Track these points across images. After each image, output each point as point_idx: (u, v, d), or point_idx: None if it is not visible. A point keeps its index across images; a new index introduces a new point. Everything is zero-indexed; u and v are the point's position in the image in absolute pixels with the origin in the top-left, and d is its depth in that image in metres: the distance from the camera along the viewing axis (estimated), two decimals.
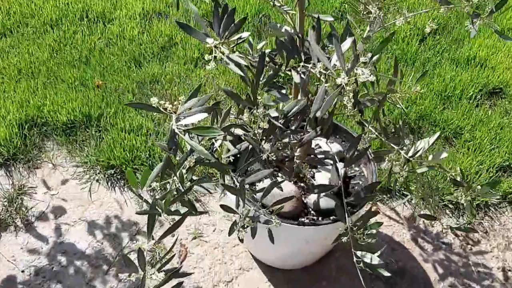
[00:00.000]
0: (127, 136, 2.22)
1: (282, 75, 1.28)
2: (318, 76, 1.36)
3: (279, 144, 1.34)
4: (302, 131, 1.44)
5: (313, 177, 1.61)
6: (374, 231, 1.46)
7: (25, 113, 2.30)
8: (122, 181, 2.13)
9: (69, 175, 2.16)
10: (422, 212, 2.19)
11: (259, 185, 1.60)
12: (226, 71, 2.58)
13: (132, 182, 1.20)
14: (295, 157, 1.43)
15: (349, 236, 1.39)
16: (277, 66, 1.27)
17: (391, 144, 1.31)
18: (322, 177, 1.68)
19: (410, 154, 1.27)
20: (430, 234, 2.05)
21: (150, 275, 1.14)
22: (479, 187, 1.42)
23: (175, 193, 1.26)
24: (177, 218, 1.26)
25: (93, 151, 2.20)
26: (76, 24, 2.86)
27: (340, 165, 1.55)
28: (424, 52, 2.89)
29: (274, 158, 1.26)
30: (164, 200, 1.19)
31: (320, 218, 1.63)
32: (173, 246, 1.30)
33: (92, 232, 1.95)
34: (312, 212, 1.66)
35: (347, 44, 1.20)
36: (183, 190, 1.21)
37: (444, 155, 1.41)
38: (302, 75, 1.26)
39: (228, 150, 1.34)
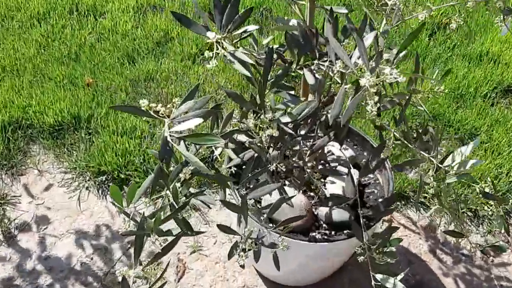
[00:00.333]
0: (119, 139, 2.05)
1: (293, 73, 1.11)
2: (332, 75, 1.20)
3: (288, 153, 1.17)
4: (313, 137, 1.27)
5: (324, 186, 1.44)
6: (393, 249, 1.30)
7: (9, 115, 2.13)
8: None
9: (56, 182, 1.99)
10: (440, 222, 2.05)
11: (265, 199, 1.44)
12: (227, 68, 2.41)
13: (116, 198, 1.04)
14: (305, 167, 1.27)
15: (366, 256, 1.23)
16: (286, 64, 1.10)
17: (421, 152, 1.15)
18: (334, 187, 1.52)
19: (446, 163, 1.11)
20: (449, 245, 1.89)
21: None
22: None
23: (168, 210, 1.10)
24: (170, 238, 1.09)
25: (82, 155, 2.03)
26: (65, 18, 2.68)
27: (354, 172, 1.39)
28: (434, 48, 2.72)
29: (284, 169, 1.09)
30: (154, 219, 1.03)
31: (333, 233, 1.46)
32: (165, 270, 1.13)
33: (81, 246, 1.78)
34: (324, 225, 1.50)
35: (369, 38, 1.03)
36: (177, 207, 1.05)
37: (473, 162, 1.24)
38: (317, 75, 1.10)
39: (230, 159, 1.18)
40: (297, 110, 1.22)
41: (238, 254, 1.11)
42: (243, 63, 0.94)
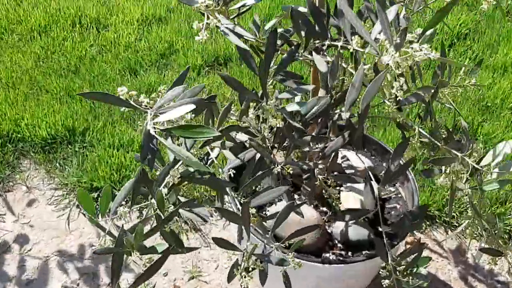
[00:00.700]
0: (115, 153, 1.89)
1: (300, 58, 0.94)
2: (345, 66, 1.03)
3: (296, 155, 0.99)
4: (325, 138, 1.09)
5: (338, 195, 1.24)
6: (424, 270, 1.10)
7: None
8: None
9: (45, 199, 1.83)
10: (470, 242, 1.83)
11: (270, 210, 1.25)
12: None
13: (86, 205, 0.86)
14: (316, 172, 1.09)
15: (392, 279, 1.03)
16: (293, 47, 0.93)
17: (453, 151, 0.96)
18: (349, 200, 1.32)
19: (484, 162, 0.92)
20: (482, 271, 1.67)
21: None
22: None
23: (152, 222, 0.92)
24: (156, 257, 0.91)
25: (75, 170, 1.87)
26: (67, 30, 2.57)
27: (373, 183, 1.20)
28: (455, 59, 2.55)
29: (290, 172, 0.91)
30: (135, 233, 0.85)
31: (349, 253, 1.26)
32: None
33: (67, 270, 1.60)
34: (339, 244, 1.30)
35: (392, 11, 0.86)
36: (163, 217, 0.87)
37: None
38: (328, 58, 0.92)
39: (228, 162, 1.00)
40: (305, 107, 1.05)
41: (240, 274, 0.92)
42: (238, 35, 0.77)
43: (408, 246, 1.69)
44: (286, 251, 0.96)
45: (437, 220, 1.80)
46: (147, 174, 0.90)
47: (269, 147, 0.94)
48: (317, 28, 0.88)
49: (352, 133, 1.09)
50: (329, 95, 1.10)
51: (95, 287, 1.55)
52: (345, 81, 1.18)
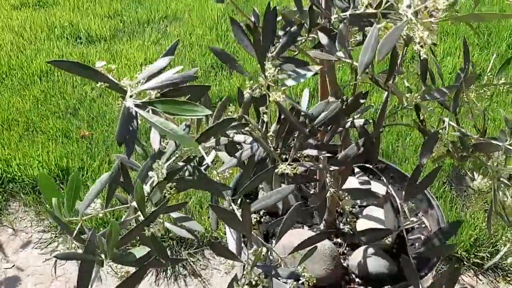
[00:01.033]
0: None
1: (304, 38, 0.82)
2: (349, 64, 0.91)
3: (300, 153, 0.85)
4: (335, 146, 0.95)
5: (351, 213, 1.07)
6: None
7: None
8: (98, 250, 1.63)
9: (32, 242, 1.67)
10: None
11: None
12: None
13: (47, 194, 0.73)
14: (327, 184, 0.94)
15: None
16: (295, 27, 0.81)
17: (493, 142, 0.81)
18: (365, 225, 1.16)
19: None
20: None
21: None
22: None
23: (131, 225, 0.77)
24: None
25: (66, 211, 1.72)
26: (69, 74, 2.52)
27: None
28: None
29: (296, 171, 0.77)
30: (108, 235, 0.70)
31: None
32: None
33: None
34: (357, 279, 1.12)
35: None
36: (143, 219, 0.72)
37: None
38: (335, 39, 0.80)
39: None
40: (313, 111, 0.93)
41: None
42: None
43: None
44: (293, 270, 0.80)
45: (465, 263, 1.60)
46: (126, 169, 0.77)
47: (272, 147, 0.81)
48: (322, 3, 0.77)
49: (366, 142, 0.95)
50: (340, 100, 0.98)
51: None
52: (357, 86, 1.06)
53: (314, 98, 2.03)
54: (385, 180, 1.00)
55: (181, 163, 0.81)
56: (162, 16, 3.16)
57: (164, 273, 1.58)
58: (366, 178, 1.16)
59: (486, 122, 0.91)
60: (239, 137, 0.86)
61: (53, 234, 1.69)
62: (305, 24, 0.79)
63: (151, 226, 0.75)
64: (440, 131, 0.84)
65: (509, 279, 1.58)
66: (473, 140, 0.85)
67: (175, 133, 0.65)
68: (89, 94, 2.37)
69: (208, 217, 1.68)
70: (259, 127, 0.81)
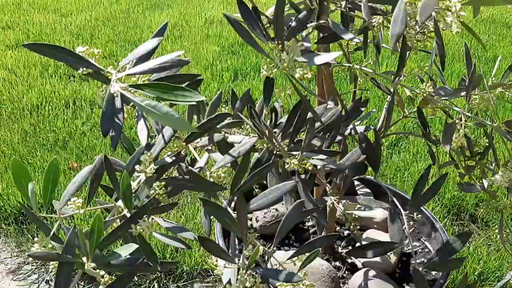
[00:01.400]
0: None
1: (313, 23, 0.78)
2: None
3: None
4: (336, 153, 0.91)
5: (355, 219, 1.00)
6: None
7: None
8: (82, 283, 1.53)
9: (11, 274, 1.57)
10: None
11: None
12: None
13: (19, 181, 0.67)
14: (327, 192, 0.88)
15: None
16: (305, 12, 0.77)
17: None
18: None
19: None
20: None
21: None
22: None
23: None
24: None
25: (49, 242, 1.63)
26: (60, 109, 2.49)
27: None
28: None
29: (308, 168, 0.71)
30: (91, 235, 0.64)
31: None
32: None
33: None
34: None
35: None
36: (128, 216, 0.66)
37: None
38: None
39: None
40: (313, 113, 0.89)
41: None
42: None
43: None
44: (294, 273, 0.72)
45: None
46: (110, 163, 0.71)
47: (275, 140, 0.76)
48: None
49: (368, 150, 0.91)
50: (340, 105, 0.95)
51: None
52: (356, 92, 1.03)
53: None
54: (388, 191, 0.95)
55: (170, 159, 0.76)
56: (158, 57, 3.18)
57: None
58: (367, 190, 1.11)
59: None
60: (234, 137, 0.82)
61: (33, 265, 1.59)
62: (314, 11, 0.76)
63: (138, 224, 0.69)
64: (457, 121, 0.80)
65: None
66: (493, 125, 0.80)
67: (171, 117, 0.60)
68: (80, 128, 2.33)
69: (199, 249, 1.60)
70: (264, 123, 0.76)
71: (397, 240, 0.88)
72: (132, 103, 0.74)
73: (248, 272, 0.64)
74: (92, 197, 0.74)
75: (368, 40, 0.87)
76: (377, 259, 1.11)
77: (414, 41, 0.87)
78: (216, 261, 0.76)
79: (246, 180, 0.69)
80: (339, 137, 0.95)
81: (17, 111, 2.45)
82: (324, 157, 0.84)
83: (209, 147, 0.79)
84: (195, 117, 0.84)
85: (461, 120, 0.77)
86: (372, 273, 1.07)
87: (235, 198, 0.69)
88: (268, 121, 0.86)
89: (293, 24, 0.73)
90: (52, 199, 0.72)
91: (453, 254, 0.87)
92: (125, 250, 0.64)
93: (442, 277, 1.05)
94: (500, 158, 0.87)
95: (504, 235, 0.86)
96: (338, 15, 0.87)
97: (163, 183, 0.73)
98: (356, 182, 1.15)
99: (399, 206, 0.91)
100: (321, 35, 0.85)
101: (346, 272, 1.13)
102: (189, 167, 0.75)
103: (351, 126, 0.95)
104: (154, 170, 0.70)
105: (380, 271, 1.09)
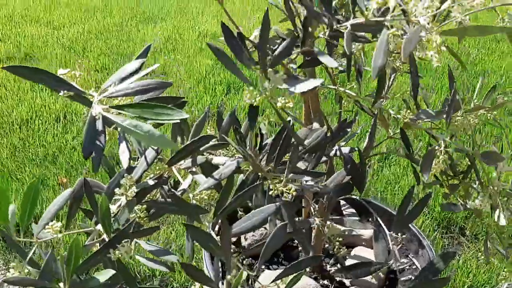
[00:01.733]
0: (84, 239, 1.65)
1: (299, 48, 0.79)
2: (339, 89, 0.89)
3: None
4: (321, 174, 0.90)
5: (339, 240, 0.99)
6: None
7: None
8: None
9: None
10: None
11: None
12: None
13: None
14: (312, 214, 0.88)
15: None
16: (290, 38, 0.77)
17: (496, 151, 0.77)
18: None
19: None
20: None
21: None
22: None
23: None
24: None
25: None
26: (50, 123, 2.48)
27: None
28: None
29: (292, 192, 0.71)
30: (68, 259, 0.63)
31: None
32: None
33: None
34: None
35: None
36: (107, 240, 0.65)
37: None
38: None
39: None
40: (296, 137, 0.89)
41: None
42: None
43: None
44: None
45: None
46: (90, 186, 0.71)
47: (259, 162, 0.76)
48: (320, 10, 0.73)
49: (352, 171, 0.91)
50: (325, 126, 0.95)
51: None
52: (342, 114, 1.03)
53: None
54: (372, 211, 0.94)
55: (152, 182, 0.75)
56: (151, 70, 3.18)
57: None
58: (352, 210, 1.11)
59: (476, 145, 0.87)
60: (218, 159, 0.81)
61: None
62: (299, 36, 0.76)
63: (117, 248, 0.68)
64: (437, 147, 0.80)
65: None
66: (472, 154, 0.81)
67: (152, 135, 0.60)
68: (70, 142, 2.32)
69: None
70: (249, 144, 0.76)
71: (381, 260, 0.87)
72: (114, 125, 0.75)
73: None
74: (71, 220, 0.73)
75: (352, 63, 0.87)
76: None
77: (399, 65, 0.88)
78: (201, 286, 0.75)
79: (230, 202, 0.69)
80: (325, 158, 0.95)
81: (7, 125, 2.44)
82: (309, 179, 0.84)
83: (193, 169, 0.79)
84: (179, 138, 0.83)
85: (440, 147, 0.78)
86: None
87: (219, 220, 0.69)
88: (254, 143, 0.86)
89: (278, 51, 0.73)
90: (29, 219, 0.71)
91: (437, 275, 0.86)
92: (103, 276, 0.63)
93: None
94: (483, 177, 0.87)
95: (491, 250, 0.86)
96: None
97: (144, 206, 0.72)
98: (343, 202, 1.15)
99: (383, 226, 0.91)
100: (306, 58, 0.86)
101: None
102: (172, 190, 0.75)
103: (336, 147, 0.96)
104: (135, 194, 0.69)
105: None
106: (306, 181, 0.83)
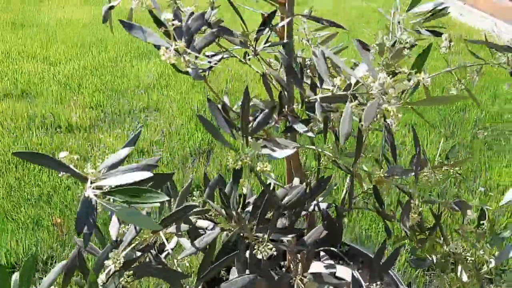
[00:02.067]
0: None
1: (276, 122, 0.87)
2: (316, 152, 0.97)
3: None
4: (298, 230, 0.97)
5: None
6: None
7: None
8: None
9: None
10: None
11: None
12: None
13: None
14: (291, 270, 0.94)
15: None
16: (268, 110, 0.86)
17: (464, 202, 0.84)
18: None
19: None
20: None
21: None
22: None
23: None
24: None
25: None
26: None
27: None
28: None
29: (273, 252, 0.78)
30: None
31: None
32: None
33: None
34: None
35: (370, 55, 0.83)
36: None
37: None
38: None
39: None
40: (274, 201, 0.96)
41: None
42: None
43: None
44: None
45: None
46: (83, 258, 0.77)
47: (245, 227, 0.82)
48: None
49: (329, 226, 0.98)
50: (304, 183, 1.02)
51: None
52: (320, 170, 1.11)
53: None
54: (350, 263, 1.01)
55: (139, 252, 0.82)
56: (144, 107, 3.26)
57: None
58: (331, 262, 1.17)
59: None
60: (202, 223, 0.88)
61: None
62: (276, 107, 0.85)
63: None
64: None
65: None
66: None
67: (139, 219, 0.67)
68: (64, 181, 2.38)
69: None
70: (233, 205, 0.83)
71: None
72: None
73: None
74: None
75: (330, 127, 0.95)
76: None
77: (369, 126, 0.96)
78: None
79: (212, 267, 0.76)
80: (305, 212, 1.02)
81: (3, 164, 2.50)
82: (290, 236, 0.91)
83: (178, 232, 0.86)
84: (166, 203, 0.90)
85: (413, 200, 0.85)
86: None
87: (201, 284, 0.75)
88: (238, 204, 0.93)
89: (257, 121, 0.82)
90: None
91: None
92: None
93: None
94: (448, 232, 0.94)
95: None
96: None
97: (131, 271, 0.78)
98: (322, 253, 1.22)
99: (360, 278, 0.97)
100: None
101: None
102: (157, 254, 0.82)
103: (315, 202, 1.03)
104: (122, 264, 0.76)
105: None
106: (287, 240, 0.90)
